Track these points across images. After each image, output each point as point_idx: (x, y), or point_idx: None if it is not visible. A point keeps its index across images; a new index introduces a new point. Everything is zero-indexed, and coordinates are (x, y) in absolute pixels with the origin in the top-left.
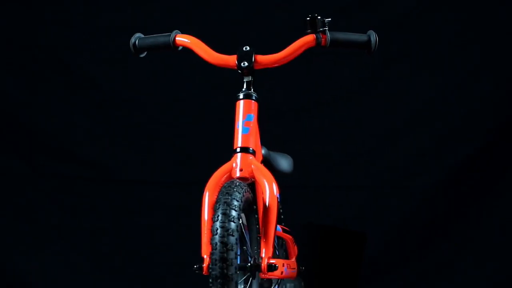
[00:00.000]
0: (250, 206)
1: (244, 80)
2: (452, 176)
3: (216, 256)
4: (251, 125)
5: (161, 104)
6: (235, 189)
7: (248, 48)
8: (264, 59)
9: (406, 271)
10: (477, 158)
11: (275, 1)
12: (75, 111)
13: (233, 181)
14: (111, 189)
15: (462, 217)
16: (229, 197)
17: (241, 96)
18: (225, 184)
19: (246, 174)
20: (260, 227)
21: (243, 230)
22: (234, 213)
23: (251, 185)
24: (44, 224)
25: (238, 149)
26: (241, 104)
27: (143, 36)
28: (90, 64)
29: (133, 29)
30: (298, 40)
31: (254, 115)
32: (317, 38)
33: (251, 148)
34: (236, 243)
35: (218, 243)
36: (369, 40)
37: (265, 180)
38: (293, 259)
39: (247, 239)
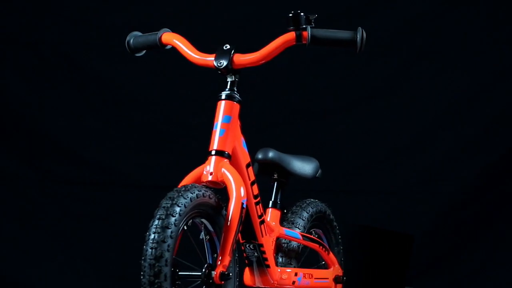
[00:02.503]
0: (216, 211)
1: (227, 79)
2: (482, 180)
3: (146, 263)
4: (228, 127)
5: (173, 105)
6: (181, 194)
7: (228, 46)
8: (242, 59)
9: (435, 278)
10: (507, 161)
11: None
12: (84, 113)
13: (186, 186)
14: (120, 194)
15: (492, 221)
16: (170, 202)
17: (222, 96)
18: (174, 189)
19: (216, 178)
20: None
21: (212, 236)
22: (171, 219)
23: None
24: (50, 230)
25: (213, 152)
26: (220, 105)
27: (139, 34)
28: (100, 63)
29: (145, 26)
30: (278, 38)
31: (232, 117)
32: (296, 36)
33: (225, 151)
34: (168, 250)
35: (149, 250)
36: (354, 37)
37: (232, 185)
38: (331, 269)
39: (217, 246)
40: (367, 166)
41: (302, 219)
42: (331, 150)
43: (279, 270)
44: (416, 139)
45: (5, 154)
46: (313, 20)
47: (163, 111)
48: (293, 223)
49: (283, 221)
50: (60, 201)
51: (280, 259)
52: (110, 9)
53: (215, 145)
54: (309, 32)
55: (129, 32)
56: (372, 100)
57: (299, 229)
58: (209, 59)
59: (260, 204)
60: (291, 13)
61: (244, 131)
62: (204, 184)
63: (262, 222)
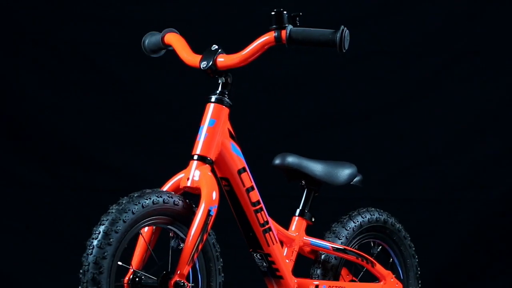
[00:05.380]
0: (185, 218)
1: (218, 81)
2: None
3: (81, 270)
4: (211, 131)
5: (198, 109)
6: (132, 200)
7: (216, 47)
8: (224, 60)
9: None
10: None
11: None
12: (104, 117)
13: (143, 191)
14: None
15: None
16: (116, 207)
17: (211, 99)
18: (130, 194)
19: (193, 184)
20: None
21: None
22: (114, 225)
23: None
24: (69, 239)
25: (195, 157)
26: (207, 108)
27: (156, 34)
28: (122, 64)
29: (169, 26)
30: (258, 39)
31: (216, 121)
32: (275, 37)
33: (206, 157)
34: (105, 257)
35: (85, 256)
36: (334, 37)
37: (203, 190)
38: (381, 283)
39: None
40: (405, 172)
41: (346, 229)
42: (366, 156)
43: (295, 280)
44: (456, 143)
45: (22, 160)
46: (297, 19)
47: (187, 116)
48: (334, 233)
49: (327, 231)
50: (79, 209)
51: (315, 271)
52: (131, 7)
53: (196, 149)
54: (287, 32)
55: (153, 30)
56: (409, 103)
57: (340, 239)
58: (196, 60)
59: (263, 212)
60: (273, 11)
61: (275, 136)
62: (183, 189)
63: (267, 230)
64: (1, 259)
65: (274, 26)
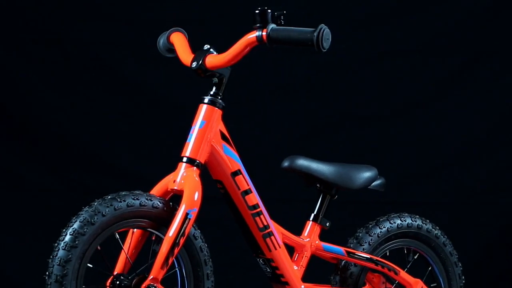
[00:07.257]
0: (167, 221)
1: (212, 81)
2: None
3: (47, 271)
4: (200, 133)
5: None
6: (104, 202)
7: (208, 46)
8: (213, 60)
9: None
10: None
11: None
12: (115, 118)
13: (119, 193)
14: None
15: None
16: (86, 209)
17: (204, 100)
18: (105, 196)
19: (179, 186)
20: None
21: None
22: (83, 228)
23: None
24: None
25: (184, 159)
26: (199, 109)
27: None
28: (134, 64)
29: (182, 23)
30: (242, 39)
31: (206, 122)
32: (257, 36)
33: (194, 159)
34: (69, 260)
35: (51, 258)
36: (312, 36)
37: (186, 192)
38: None
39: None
40: (423, 175)
41: (370, 235)
42: (382, 158)
43: (303, 286)
44: (475, 145)
45: (29, 163)
46: (282, 17)
47: None
48: (357, 239)
49: (351, 237)
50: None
51: (334, 278)
52: (139, 7)
53: (185, 151)
54: (268, 32)
55: (165, 30)
56: (427, 105)
57: (362, 246)
58: (189, 60)
59: (262, 216)
60: (257, 10)
61: (290, 138)
62: (171, 191)
63: (268, 235)
64: (3, 260)
65: (257, 25)
